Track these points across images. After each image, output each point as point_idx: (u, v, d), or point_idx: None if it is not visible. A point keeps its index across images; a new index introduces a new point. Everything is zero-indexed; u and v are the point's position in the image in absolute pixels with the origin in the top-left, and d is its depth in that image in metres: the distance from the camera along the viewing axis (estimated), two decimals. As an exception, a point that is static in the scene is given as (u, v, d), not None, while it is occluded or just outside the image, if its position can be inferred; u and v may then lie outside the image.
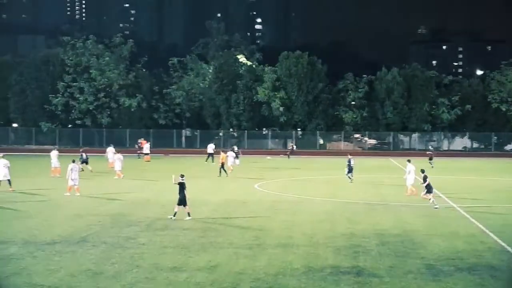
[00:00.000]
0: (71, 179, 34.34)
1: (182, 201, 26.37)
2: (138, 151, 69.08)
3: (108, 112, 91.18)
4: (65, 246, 20.71)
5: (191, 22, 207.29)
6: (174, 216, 26.28)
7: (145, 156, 65.57)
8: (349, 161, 43.56)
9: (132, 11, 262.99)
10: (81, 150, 53.49)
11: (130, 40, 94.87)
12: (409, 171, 36.04)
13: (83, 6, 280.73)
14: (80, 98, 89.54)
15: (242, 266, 18.29)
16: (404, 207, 31.08)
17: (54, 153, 46.90)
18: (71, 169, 34.53)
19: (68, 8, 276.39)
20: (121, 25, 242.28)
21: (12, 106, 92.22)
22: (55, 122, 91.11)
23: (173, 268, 17.94)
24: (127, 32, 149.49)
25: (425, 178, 31.47)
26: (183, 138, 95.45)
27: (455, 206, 31.76)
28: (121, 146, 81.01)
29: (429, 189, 31.24)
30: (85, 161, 49.93)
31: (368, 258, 19.47)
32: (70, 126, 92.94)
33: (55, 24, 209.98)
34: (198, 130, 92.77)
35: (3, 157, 36.82)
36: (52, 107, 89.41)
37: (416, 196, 34.27)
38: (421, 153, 68.61)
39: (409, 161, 37.16)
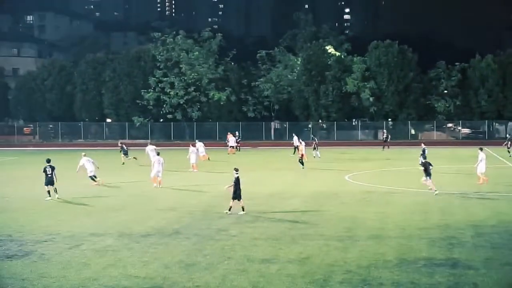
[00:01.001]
0: (157, 170, 35.14)
1: (237, 196, 25.82)
2: (239, 144, 69.93)
3: (198, 106, 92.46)
4: (158, 238, 21.06)
5: (279, 14, 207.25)
6: (229, 210, 25.83)
7: (230, 148, 65.86)
8: (424, 151, 43.65)
9: (221, 5, 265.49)
10: (119, 142, 55.22)
11: (219, 34, 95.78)
12: (481, 159, 35.12)
13: (173, 1, 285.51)
14: (171, 93, 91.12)
15: (333, 258, 18.10)
16: (500, 197, 30.10)
17: (150, 148, 47.99)
18: (155, 162, 35.51)
19: (158, 4, 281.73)
20: (209, 19, 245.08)
21: (106, 101, 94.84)
22: (147, 117, 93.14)
23: (264, 260, 17.93)
24: (215, 26, 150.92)
25: (424, 164, 32.15)
26: (272, 131, 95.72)
27: (555, 196, 30.59)
28: (211, 139, 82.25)
29: (428, 174, 31.32)
30: (125, 153, 51.67)
31: (463, 250, 18.92)
32: (161, 120, 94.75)
33: (146, 20, 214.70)
34: (287, 122, 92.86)
35: (85, 155, 37.85)
36: (144, 102, 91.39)
37: (487, 183, 33.86)
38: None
39: (481, 149, 36.13)
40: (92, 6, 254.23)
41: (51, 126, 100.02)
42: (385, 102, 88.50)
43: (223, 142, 72.56)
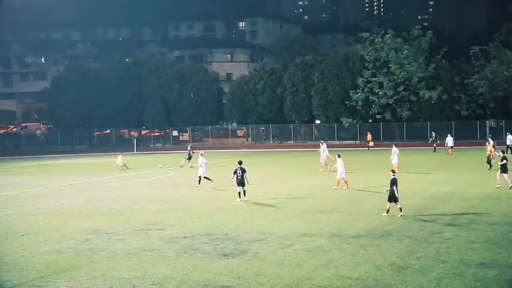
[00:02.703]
0: (341, 172, 35.10)
1: (391, 197, 25.31)
2: (435, 144, 68.28)
3: (408, 106, 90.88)
4: (369, 239, 20.90)
5: (493, 8, 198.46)
6: (387, 213, 25.35)
7: (449, 149, 63.69)
8: None
9: (431, 2, 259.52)
10: (189, 147, 57.90)
11: (429, 31, 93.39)
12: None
13: (381, 0, 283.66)
14: (380, 93, 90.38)
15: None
16: None
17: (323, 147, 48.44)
18: (341, 164, 35.20)
19: (367, 4, 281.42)
20: (419, 16, 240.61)
21: (315, 103, 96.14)
22: (355, 117, 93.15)
23: (481, 264, 17.17)
24: (425, 24, 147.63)
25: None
26: (487, 129, 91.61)
27: None
28: (422, 139, 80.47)
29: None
30: (189, 158, 53.90)
31: None
32: (370, 120, 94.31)
33: (354, 21, 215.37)
34: (503, 121, 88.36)
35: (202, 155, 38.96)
36: (353, 103, 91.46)
37: None
38: None
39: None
40: (300, 10, 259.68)
41: (262, 128, 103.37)
42: None
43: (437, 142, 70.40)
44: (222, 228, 23.88)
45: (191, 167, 51.89)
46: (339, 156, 35.65)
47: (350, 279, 16.10)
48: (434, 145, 68.91)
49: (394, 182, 25.47)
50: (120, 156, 56.08)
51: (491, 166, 44.04)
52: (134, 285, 16.29)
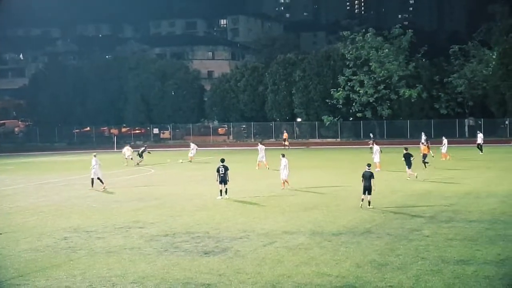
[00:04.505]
0: (285, 174, 34.87)
1: (366, 189, 26.99)
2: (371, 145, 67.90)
3: (388, 104, 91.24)
4: (350, 237, 21.00)
5: (472, 7, 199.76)
6: (362, 201, 27.12)
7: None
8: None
9: (411, 1, 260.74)
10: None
11: (409, 30, 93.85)
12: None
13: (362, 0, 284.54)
14: (360, 91, 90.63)
15: (537, 262, 17.07)
16: None
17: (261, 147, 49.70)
18: (285, 165, 34.77)
19: (348, 3, 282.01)
20: (399, 15, 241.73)
21: (296, 101, 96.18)
22: (336, 116, 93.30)
23: (460, 261, 17.34)
24: (406, 23, 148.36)
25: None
26: (466, 128, 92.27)
27: None
28: (402, 137, 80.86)
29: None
30: (140, 155, 56.69)
31: None
32: (351, 119, 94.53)
33: (335, 19, 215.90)
34: (481, 119, 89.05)
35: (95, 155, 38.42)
36: (334, 101, 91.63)
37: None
38: None
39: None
40: (282, 8, 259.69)
41: (244, 126, 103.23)
42: None
43: (416, 140, 70.58)
44: (203, 226, 23.87)
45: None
46: (283, 156, 35.27)
47: (330, 276, 16.16)
48: (371, 146, 66.92)
49: (371, 175, 26.88)
50: (126, 148, 56.92)
51: (426, 163, 44.37)
52: (114, 284, 16.23)
